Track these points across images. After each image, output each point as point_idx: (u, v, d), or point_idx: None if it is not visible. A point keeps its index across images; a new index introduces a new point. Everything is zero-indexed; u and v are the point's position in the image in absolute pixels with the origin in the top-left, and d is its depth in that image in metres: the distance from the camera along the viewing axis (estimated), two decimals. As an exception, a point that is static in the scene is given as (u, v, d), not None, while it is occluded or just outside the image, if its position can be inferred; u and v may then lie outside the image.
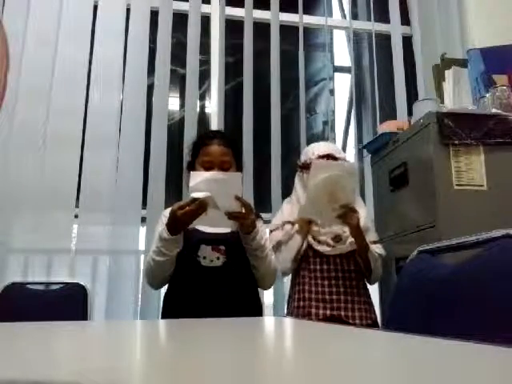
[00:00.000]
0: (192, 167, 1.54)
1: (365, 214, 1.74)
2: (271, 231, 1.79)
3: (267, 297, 2.26)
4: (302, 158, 1.84)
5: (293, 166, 1.88)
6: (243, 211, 1.38)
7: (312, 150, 1.81)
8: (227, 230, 1.47)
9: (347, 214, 1.60)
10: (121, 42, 2.49)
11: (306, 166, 1.75)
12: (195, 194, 1.34)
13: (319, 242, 1.71)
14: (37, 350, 0.54)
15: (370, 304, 1.72)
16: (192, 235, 1.47)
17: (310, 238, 1.72)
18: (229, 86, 2.71)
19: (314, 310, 1.64)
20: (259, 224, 1.52)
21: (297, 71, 2.70)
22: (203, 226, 1.47)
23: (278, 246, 1.72)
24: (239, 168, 1.57)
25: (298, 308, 1.67)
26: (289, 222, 1.75)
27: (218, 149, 1.52)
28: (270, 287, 1.68)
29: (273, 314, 2.32)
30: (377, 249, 1.72)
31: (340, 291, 1.66)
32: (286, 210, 1.82)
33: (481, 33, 2.70)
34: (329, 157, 1.75)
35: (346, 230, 1.68)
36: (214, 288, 1.44)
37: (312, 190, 1.60)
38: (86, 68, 2.44)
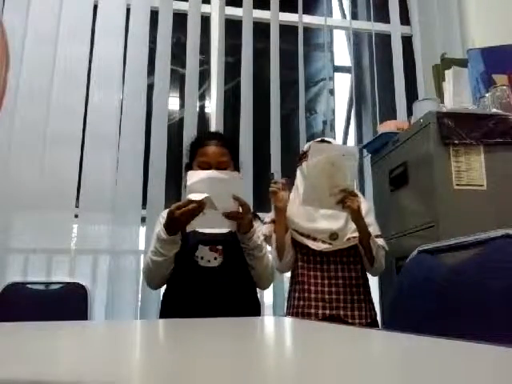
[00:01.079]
0: (190, 169, 1.54)
1: (366, 208, 1.73)
2: (264, 223, 1.76)
3: (266, 296, 2.26)
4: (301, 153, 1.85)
5: (293, 166, 1.88)
6: (240, 211, 1.38)
7: (309, 143, 1.83)
8: (225, 230, 1.48)
9: (347, 198, 1.58)
10: (121, 41, 2.50)
11: (304, 155, 1.76)
12: (192, 196, 1.33)
13: (315, 239, 1.69)
14: (37, 349, 0.54)
15: (370, 301, 1.71)
16: (190, 236, 1.47)
17: (303, 239, 1.70)
18: (228, 86, 2.71)
19: (313, 310, 1.63)
20: (256, 224, 1.52)
21: (297, 71, 2.70)
22: (201, 228, 1.47)
23: (267, 240, 1.70)
24: (237, 168, 1.57)
25: (298, 308, 1.67)
26: (273, 222, 1.74)
27: (215, 149, 1.52)
28: (268, 287, 1.68)
29: (272, 314, 2.32)
30: (380, 241, 1.71)
31: (340, 291, 1.65)
32: None
33: (481, 33, 2.70)
34: (323, 141, 1.77)
35: (342, 227, 1.67)
36: (211, 288, 1.44)
37: (311, 171, 1.59)
38: (86, 68, 2.45)
